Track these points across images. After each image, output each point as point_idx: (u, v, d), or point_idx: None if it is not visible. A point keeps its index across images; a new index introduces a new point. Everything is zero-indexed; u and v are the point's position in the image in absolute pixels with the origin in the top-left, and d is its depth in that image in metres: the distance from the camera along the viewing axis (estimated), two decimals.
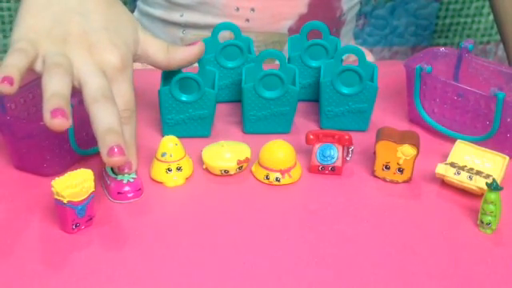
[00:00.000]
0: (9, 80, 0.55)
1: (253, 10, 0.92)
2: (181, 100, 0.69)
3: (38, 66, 0.60)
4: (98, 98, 0.57)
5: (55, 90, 0.56)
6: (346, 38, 1.04)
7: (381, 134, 0.66)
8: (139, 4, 1.03)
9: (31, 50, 0.59)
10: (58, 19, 0.62)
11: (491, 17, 1.50)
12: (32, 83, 0.68)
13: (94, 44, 0.61)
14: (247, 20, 0.92)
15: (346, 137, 0.66)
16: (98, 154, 0.66)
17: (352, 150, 0.68)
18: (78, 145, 0.65)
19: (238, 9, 0.92)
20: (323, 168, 0.67)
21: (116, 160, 0.55)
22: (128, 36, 0.64)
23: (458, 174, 0.64)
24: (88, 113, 0.57)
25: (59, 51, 0.60)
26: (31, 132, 0.62)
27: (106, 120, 0.56)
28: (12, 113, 0.66)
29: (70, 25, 0.62)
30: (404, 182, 0.67)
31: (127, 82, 0.62)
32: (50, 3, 0.62)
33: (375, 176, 0.67)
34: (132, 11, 1.33)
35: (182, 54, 0.67)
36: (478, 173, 0.64)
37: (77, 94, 0.60)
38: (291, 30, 0.94)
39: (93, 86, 0.58)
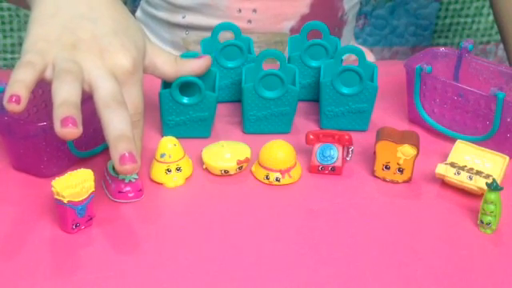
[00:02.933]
0: (16, 99, 0.55)
1: (255, 11, 0.92)
2: (181, 102, 0.69)
3: (49, 75, 0.59)
4: (110, 103, 0.57)
5: (65, 98, 0.55)
6: (347, 38, 1.04)
7: (381, 134, 0.66)
8: (143, 5, 1.03)
9: (40, 62, 0.58)
10: (67, 26, 0.61)
11: (491, 17, 1.51)
12: None
13: (105, 48, 0.61)
14: (249, 21, 0.92)
15: (346, 137, 0.66)
16: (95, 155, 0.67)
17: (352, 150, 0.68)
18: (76, 147, 0.64)
19: (240, 10, 0.92)
20: (323, 168, 0.67)
21: (128, 168, 0.54)
22: (138, 41, 0.64)
23: (458, 173, 0.64)
24: (99, 117, 0.57)
25: (69, 57, 0.59)
26: (29, 133, 0.62)
27: (118, 126, 0.56)
28: (12, 113, 0.65)
29: (79, 31, 0.61)
30: (404, 182, 0.67)
31: (138, 85, 0.62)
32: (59, 11, 0.62)
33: (375, 176, 0.67)
34: (132, 12, 1.33)
35: (190, 67, 0.68)
36: (478, 173, 0.64)
37: None
38: (293, 31, 0.94)
39: (104, 91, 0.58)
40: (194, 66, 0.68)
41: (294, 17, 0.93)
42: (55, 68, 0.58)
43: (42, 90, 0.68)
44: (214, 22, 0.92)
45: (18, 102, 0.55)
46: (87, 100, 0.59)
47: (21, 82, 0.56)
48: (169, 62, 0.67)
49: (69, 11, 0.62)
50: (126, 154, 0.54)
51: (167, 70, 0.67)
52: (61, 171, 0.64)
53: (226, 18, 0.92)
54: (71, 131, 0.54)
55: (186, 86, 0.69)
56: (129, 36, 0.63)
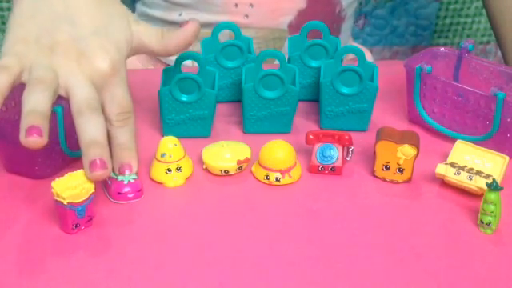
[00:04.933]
0: None
1: (251, 5, 0.92)
2: (181, 100, 0.69)
3: (26, 79, 0.59)
4: (83, 110, 0.57)
5: (33, 107, 0.55)
6: (345, 36, 1.04)
7: (381, 134, 0.66)
8: (138, 6, 1.03)
9: (16, 66, 0.58)
10: (45, 28, 0.61)
11: (487, 16, 1.51)
12: (23, 85, 0.67)
13: (82, 52, 0.60)
14: (246, 16, 0.92)
15: (346, 137, 0.66)
16: None
17: (352, 150, 0.68)
18: (70, 147, 0.64)
19: (236, 5, 0.92)
20: (323, 168, 0.67)
21: (98, 174, 0.55)
22: (119, 37, 0.63)
23: (458, 173, 0.64)
24: (74, 124, 0.57)
25: (45, 63, 0.59)
26: None
27: (90, 132, 0.56)
28: (3, 115, 0.65)
29: (57, 33, 0.61)
30: (404, 182, 0.67)
31: (120, 85, 0.61)
32: (37, 12, 0.61)
33: (375, 176, 0.67)
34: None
35: (177, 38, 0.66)
36: (478, 173, 0.64)
37: None
38: (291, 26, 0.94)
39: (78, 98, 0.58)
40: (181, 36, 0.66)
41: (292, 12, 0.94)
42: (30, 74, 0.58)
43: None
44: (210, 18, 0.92)
45: None
46: None
47: None
48: (155, 38, 0.66)
49: (46, 12, 0.62)
50: (97, 160, 0.55)
51: (155, 46, 0.66)
52: (54, 172, 0.64)
53: (223, 14, 0.92)
54: (36, 141, 0.54)
55: (186, 85, 0.69)
56: (109, 34, 0.62)
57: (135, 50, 0.66)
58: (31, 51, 0.60)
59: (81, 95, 0.58)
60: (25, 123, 0.54)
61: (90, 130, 0.56)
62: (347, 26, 1.03)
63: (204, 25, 0.93)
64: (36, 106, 0.55)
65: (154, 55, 0.67)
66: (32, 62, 0.59)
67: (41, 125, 0.54)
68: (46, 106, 0.56)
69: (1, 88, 0.56)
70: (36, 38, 0.60)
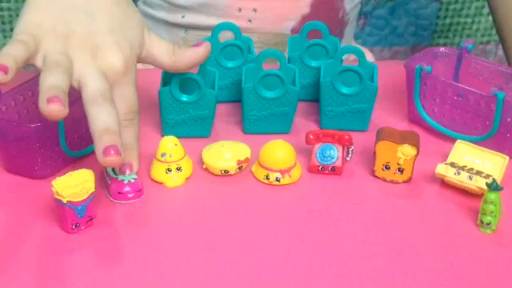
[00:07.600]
0: (3, 68, 0.54)
1: (255, 10, 0.92)
2: (181, 100, 0.69)
3: (39, 62, 0.59)
4: (97, 99, 0.57)
5: (53, 83, 0.55)
6: (348, 39, 1.04)
7: (381, 134, 0.66)
8: (140, 5, 1.03)
9: (31, 43, 0.58)
10: (63, 17, 0.61)
11: (491, 17, 1.51)
12: (23, 85, 0.67)
13: (97, 46, 0.60)
14: (249, 21, 0.92)
15: (346, 137, 0.66)
16: (89, 155, 0.66)
17: (352, 150, 0.68)
18: (69, 147, 0.64)
19: (240, 9, 0.92)
20: (323, 168, 0.67)
21: (111, 160, 0.53)
22: (134, 37, 0.64)
23: (458, 174, 0.64)
24: (86, 114, 0.57)
25: (61, 50, 0.59)
26: (22, 135, 0.62)
27: (104, 120, 0.55)
28: (3, 115, 0.65)
29: (74, 24, 0.61)
30: (404, 182, 0.67)
31: (130, 84, 0.62)
32: (57, 0, 0.62)
33: (375, 176, 0.67)
34: None
35: (189, 57, 0.66)
36: (478, 173, 0.64)
37: (68, 95, 0.59)
38: (294, 31, 0.94)
39: (92, 88, 0.58)
40: (193, 56, 0.66)
41: (295, 17, 0.93)
42: (46, 59, 0.58)
43: (32, 92, 0.68)
44: (213, 21, 0.92)
45: (5, 71, 0.54)
46: (79, 100, 0.59)
47: (10, 55, 0.55)
48: (166, 53, 0.66)
49: (67, 1, 0.62)
50: (111, 148, 0.53)
51: (164, 61, 0.66)
52: (55, 172, 0.64)
53: (226, 18, 0.92)
54: (58, 109, 0.53)
55: (186, 85, 0.69)
56: (124, 33, 0.63)
57: (142, 59, 0.66)
58: (47, 37, 0.60)
59: (95, 86, 0.58)
60: (45, 95, 0.53)
61: (103, 117, 0.56)
62: (350, 30, 1.03)
63: (207, 28, 0.94)
64: (55, 82, 0.55)
65: (160, 68, 0.67)
66: (47, 48, 0.59)
67: (62, 97, 0.54)
68: (65, 85, 0.56)
69: (17, 57, 0.56)
70: (53, 25, 0.60)
